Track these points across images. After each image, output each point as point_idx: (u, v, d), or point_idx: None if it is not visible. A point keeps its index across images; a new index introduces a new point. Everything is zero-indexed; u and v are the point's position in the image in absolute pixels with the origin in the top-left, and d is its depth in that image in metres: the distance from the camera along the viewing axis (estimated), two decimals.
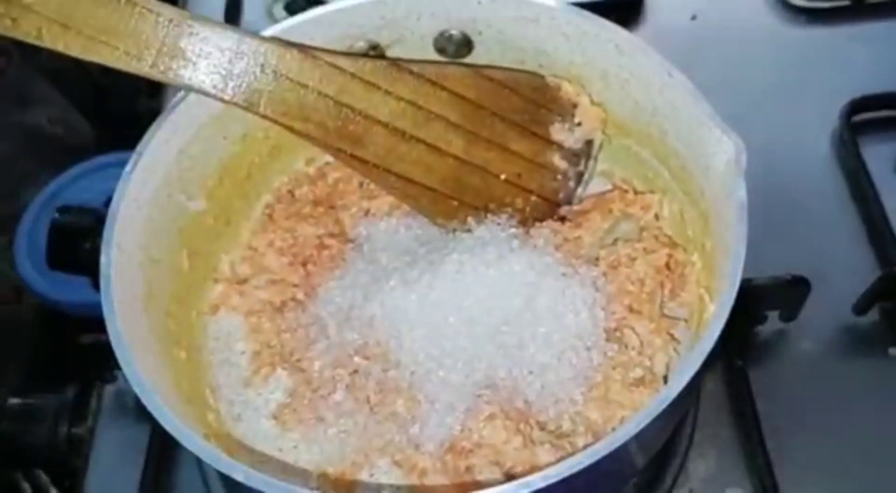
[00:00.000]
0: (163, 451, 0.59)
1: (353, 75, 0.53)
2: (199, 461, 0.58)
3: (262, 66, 0.51)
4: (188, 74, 0.49)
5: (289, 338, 0.55)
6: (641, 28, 0.80)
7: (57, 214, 0.64)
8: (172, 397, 0.48)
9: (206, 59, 0.49)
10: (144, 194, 0.51)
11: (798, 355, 0.62)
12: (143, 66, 0.48)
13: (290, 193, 0.61)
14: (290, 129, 0.53)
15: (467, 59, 0.59)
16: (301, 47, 0.52)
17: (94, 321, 0.46)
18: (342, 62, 0.53)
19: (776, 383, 0.61)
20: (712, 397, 0.60)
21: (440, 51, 0.59)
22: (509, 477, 0.48)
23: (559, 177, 0.60)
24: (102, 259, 0.47)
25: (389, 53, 0.58)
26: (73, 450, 0.61)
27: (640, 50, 0.53)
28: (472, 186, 0.58)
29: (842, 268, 0.65)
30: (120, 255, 0.48)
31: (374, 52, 0.58)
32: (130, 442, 0.60)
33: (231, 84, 0.50)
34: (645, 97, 0.55)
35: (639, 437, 0.40)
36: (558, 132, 0.60)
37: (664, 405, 0.41)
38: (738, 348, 0.61)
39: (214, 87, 0.50)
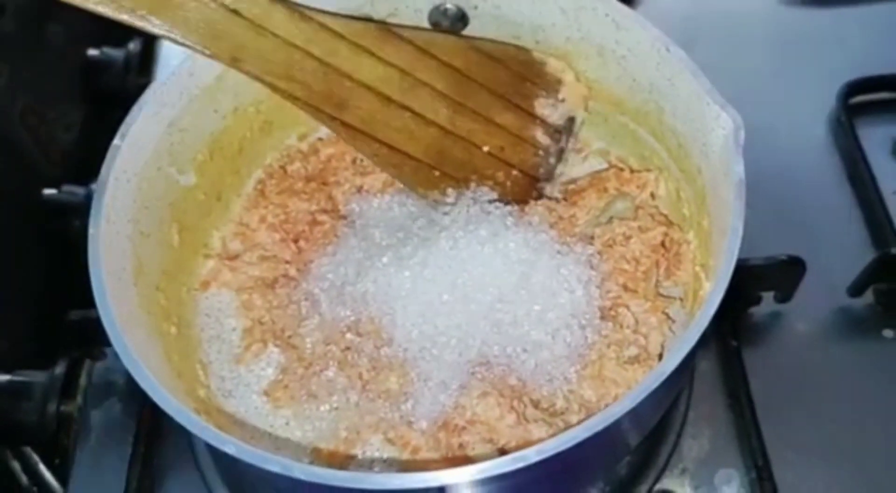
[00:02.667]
0: (152, 428, 0.59)
1: (341, 37, 0.52)
2: (188, 439, 0.58)
3: (249, 21, 0.50)
4: (168, 24, 0.48)
5: (280, 314, 0.55)
6: (639, 9, 0.79)
7: None
8: (162, 372, 0.47)
9: (187, 11, 0.48)
10: (134, 167, 0.50)
11: (792, 337, 0.62)
12: (121, 13, 0.47)
13: (283, 168, 0.60)
14: (274, 87, 0.52)
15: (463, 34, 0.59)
16: (289, 4, 0.51)
17: (84, 297, 0.46)
18: (331, 22, 0.52)
19: (770, 363, 0.61)
20: (706, 377, 0.60)
21: (435, 25, 0.58)
22: (503, 454, 0.48)
23: (541, 152, 0.60)
24: (91, 231, 0.47)
25: None
26: (62, 428, 0.60)
27: (638, 24, 0.53)
28: (454, 157, 0.58)
29: (837, 250, 0.65)
30: (108, 227, 0.48)
31: None
32: (120, 420, 0.59)
33: (215, 38, 0.49)
34: (642, 73, 0.54)
35: (633, 413, 0.40)
36: (542, 107, 0.59)
37: (659, 381, 0.41)
38: (732, 328, 0.61)
39: (197, 41, 0.49)
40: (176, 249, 0.54)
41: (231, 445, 0.40)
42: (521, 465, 0.38)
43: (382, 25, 0.54)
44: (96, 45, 0.79)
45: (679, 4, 0.81)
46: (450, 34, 0.57)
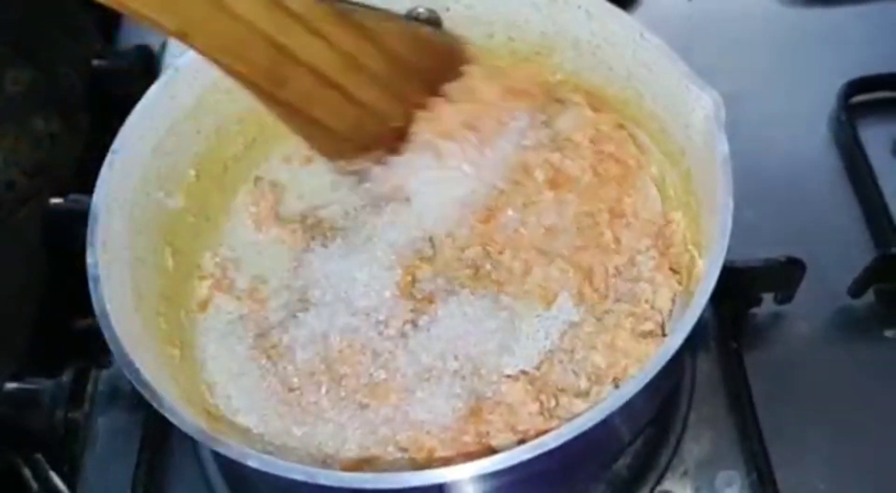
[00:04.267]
0: (158, 434, 0.60)
1: (298, 18, 0.50)
2: (193, 445, 0.59)
3: None
4: None
5: (278, 334, 0.55)
6: (638, 11, 0.80)
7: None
8: (173, 395, 0.47)
9: None
10: (124, 194, 0.51)
11: (793, 338, 0.62)
12: None
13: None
14: (216, 62, 0.49)
15: None
16: None
17: (90, 306, 0.46)
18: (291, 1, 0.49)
19: (771, 365, 0.61)
20: (707, 379, 0.60)
21: None
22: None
23: None
24: (89, 260, 0.47)
25: None
26: (70, 435, 0.61)
27: (610, 14, 0.53)
28: (367, 131, 0.57)
29: (838, 250, 0.65)
30: (106, 254, 0.48)
31: None
32: (127, 426, 0.60)
33: (164, 9, 0.45)
34: (618, 62, 0.55)
35: (630, 402, 0.41)
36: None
37: (668, 357, 0.41)
38: (733, 330, 0.61)
39: (145, 8, 0.44)
40: (171, 272, 0.55)
41: (254, 458, 0.41)
42: (516, 461, 0.39)
43: (341, 5, 0.53)
44: (101, 53, 0.80)
45: (679, 4, 0.81)
46: (397, 19, 0.57)
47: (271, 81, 0.51)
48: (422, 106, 0.57)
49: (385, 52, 0.55)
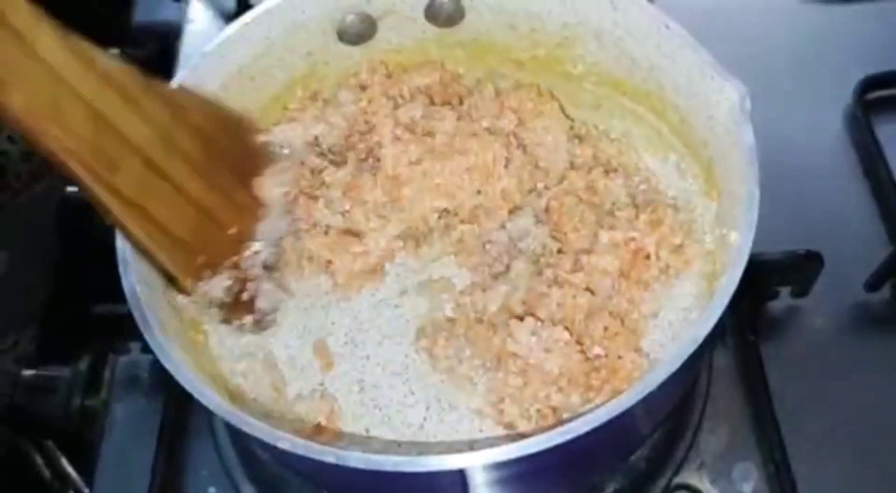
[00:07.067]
0: (176, 421, 0.59)
1: (109, 82, 0.45)
2: (212, 431, 0.59)
3: (15, 31, 0.39)
4: None
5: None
6: (656, 3, 0.79)
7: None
8: (199, 377, 0.46)
9: None
10: None
11: (810, 331, 0.62)
12: None
13: None
14: (40, 134, 0.41)
15: (459, 27, 0.59)
16: (57, 27, 0.42)
17: (107, 293, 0.47)
18: (100, 62, 0.44)
19: (788, 358, 0.61)
20: (724, 372, 0.60)
21: (431, 19, 0.58)
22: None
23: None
24: (118, 243, 0.47)
25: (381, 25, 0.58)
26: (86, 422, 0.61)
27: (634, 4, 0.53)
28: (211, 240, 0.52)
29: (854, 244, 0.65)
30: None
31: (365, 24, 0.57)
32: (144, 414, 0.60)
33: None
34: (641, 53, 0.55)
35: (652, 393, 0.40)
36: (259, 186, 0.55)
37: (685, 356, 0.41)
38: (749, 323, 0.61)
39: None
40: None
41: (331, 455, 0.40)
42: (552, 443, 0.39)
43: (146, 77, 0.48)
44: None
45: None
46: (194, 96, 0.53)
47: (102, 163, 0.44)
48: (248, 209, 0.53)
49: (193, 128, 0.50)
